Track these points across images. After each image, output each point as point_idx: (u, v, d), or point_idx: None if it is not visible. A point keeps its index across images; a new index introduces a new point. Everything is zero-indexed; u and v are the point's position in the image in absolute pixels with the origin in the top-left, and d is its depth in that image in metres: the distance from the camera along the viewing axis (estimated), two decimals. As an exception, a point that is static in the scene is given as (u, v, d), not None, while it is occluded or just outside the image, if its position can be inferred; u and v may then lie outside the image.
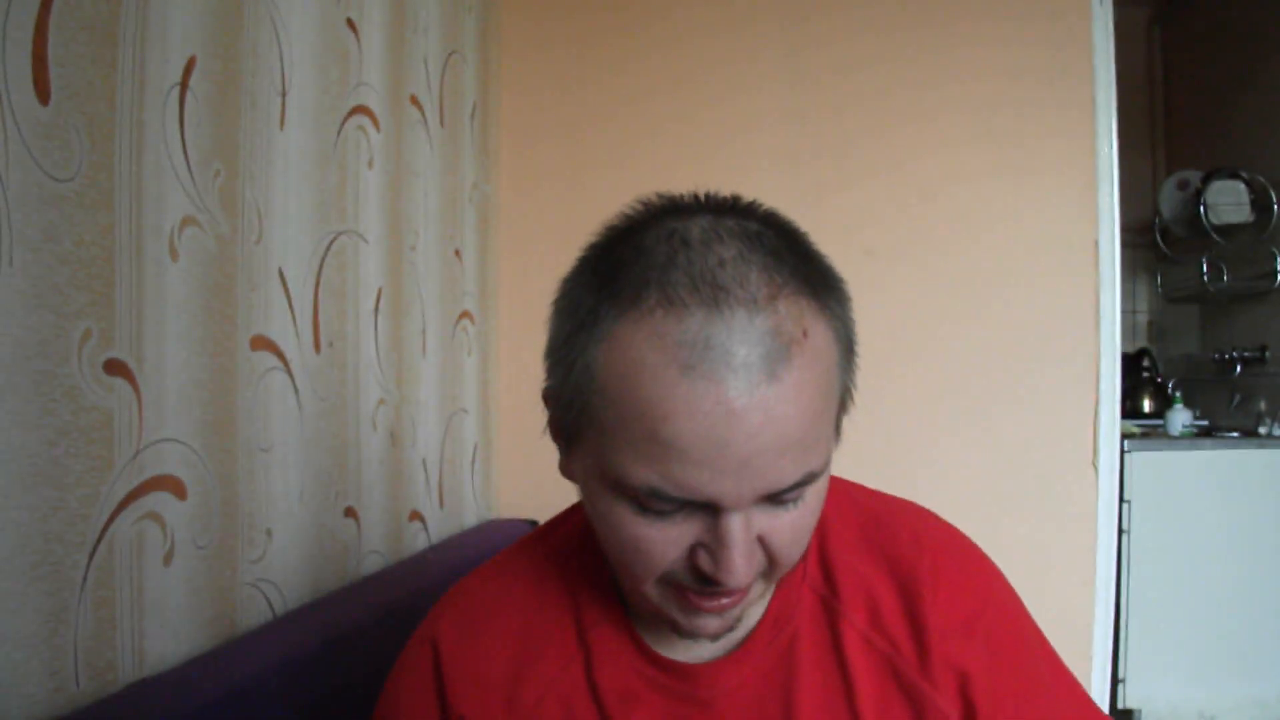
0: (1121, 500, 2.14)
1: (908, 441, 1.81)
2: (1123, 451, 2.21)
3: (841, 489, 0.67)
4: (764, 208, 0.56)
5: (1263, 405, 2.71)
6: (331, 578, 1.16)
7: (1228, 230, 2.80)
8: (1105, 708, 1.93)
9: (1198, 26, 3.19)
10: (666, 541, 0.52)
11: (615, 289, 0.51)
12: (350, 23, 1.22)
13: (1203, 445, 2.54)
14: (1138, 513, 2.41)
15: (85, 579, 0.73)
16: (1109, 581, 1.79)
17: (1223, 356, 2.93)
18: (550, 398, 0.57)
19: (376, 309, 1.30)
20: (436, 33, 1.55)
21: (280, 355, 1.04)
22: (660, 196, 0.56)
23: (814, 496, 0.54)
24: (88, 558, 0.73)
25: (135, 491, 0.79)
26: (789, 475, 0.50)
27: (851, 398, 0.57)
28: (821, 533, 0.63)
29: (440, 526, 1.55)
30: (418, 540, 1.45)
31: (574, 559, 0.65)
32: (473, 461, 1.74)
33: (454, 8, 1.65)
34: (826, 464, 0.54)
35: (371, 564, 1.27)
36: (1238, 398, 2.87)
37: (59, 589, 0.70)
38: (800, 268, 0.52)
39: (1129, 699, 2.40)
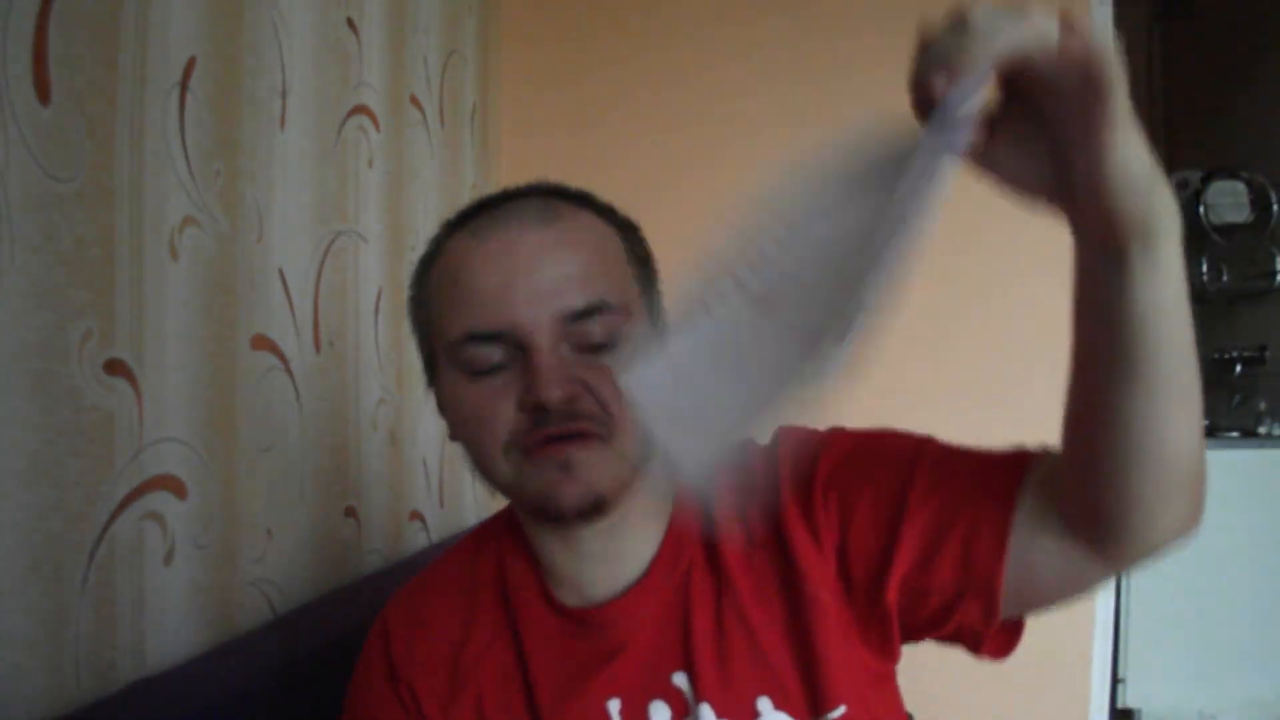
0: (1121, 500, 2.13)
1: (908, 441, 1.80)
2: (1123, 451, 2.21)
3: None
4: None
5: (1263, 405, 2.70)
6: (331, 578, 1.15)
7: (1227, 230, 2.80)
8: (1105, 708, 1.93)
9: (1198, 26, 3.19)
10: (497, 398, 0.60)
11: (433, 240, 0.67)
12: (350, 22, 1.22)
13: (1202, 445, 2.53)
14: (1138, 513, 2.41)
15: (85, 579, 0.73)
16: (1109, 581, 1.79)
17: (1223, 356, 2.93)
18: (427, 373, 0.69)
19: (376, 309, 1.30)
20: (436, 33, 1.55)
21: (280, 355, 1.04)
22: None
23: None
24: (88, 558, 0.73)
25: (135, 491, 0.79)
26: (576, 295, 0.59)
27: (660, 313, 0.67)
28: None
29: (440, 526, 1.55)
30: (418, 540, 1.45)
31: (498, 539, 0.73)
32: (473, 461, 1.74)
33: (454, 8, 1.65)
34: (626, 308, 0.62)
35: (371, 564, 1.27)
36: (1238, 398, 2.87)
37: (59, 589, 0.70)
38: (580, 196, 0.66)
39: (1129, 699, 2.40)
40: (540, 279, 0.58)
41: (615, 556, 0.66)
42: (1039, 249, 1.81)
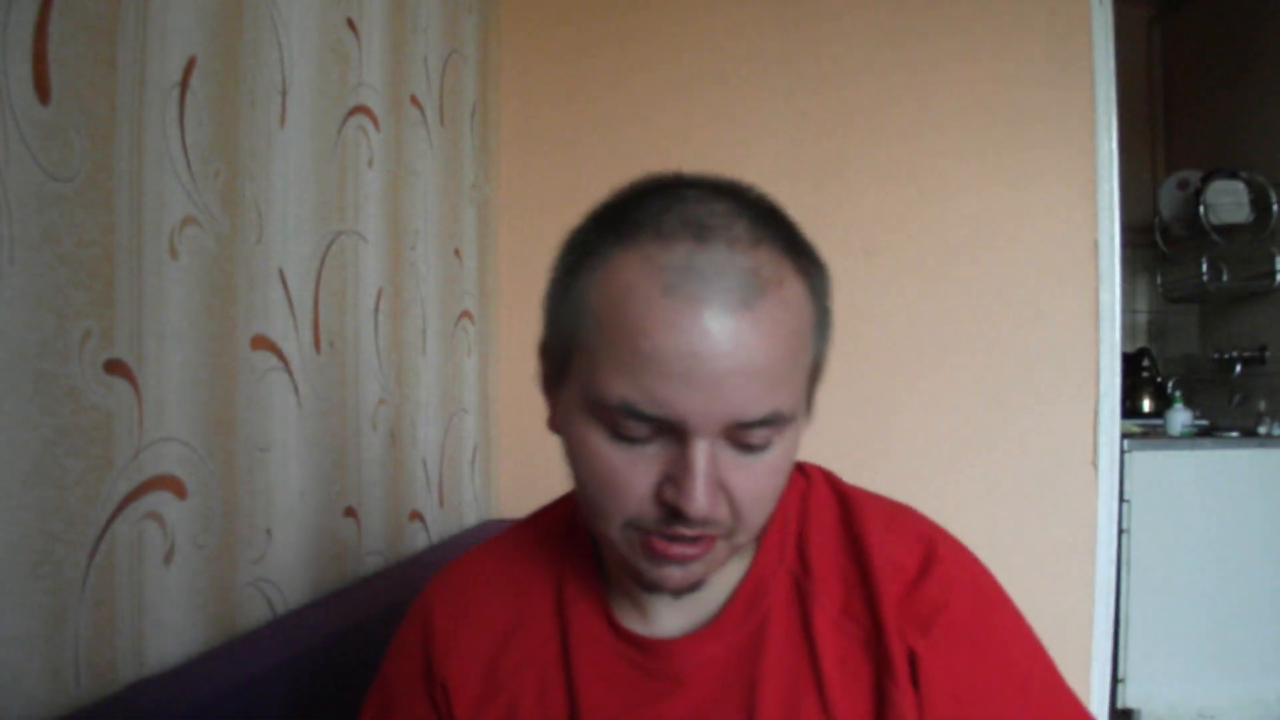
0: (1121, 500, 2.14)
1: (908, 442, 1.81)
2: (1123, 451, 2.21)
3: (829, 481, 0.68)
4: (761, 191, 0.60)
5: (1263, 405, 2.71)
6: (331, 578, 1.16)
7: (1227, 230, 2.80)
8: (1105, 708, 1.93)
9: (1197, 26, 3.19)
10: (635, 472, 0.54)
11: (613, 226, 0.56)
12: (350, 23, 1.22)
13: (1203, 445, 2.54)
14: (1138, 513, 2.41)
15: (85, 579, 0.73)
16: (1109, 581, 1.79)
17: (1222, 356, 2.93)
18: (544, 346, 0.61)
19: (376, 309, 1.30)
20: (436, 33, 1.55)
21: (280, 355, 1.04)
22: (669, 172, 0.60)
23: (780, 455, 0.56)
24: (88, 558, 0.73)
25: (135, 491, 0.79)
26: (756, 405, 0.52)
27: (822, 371, 0.60)
28: (803, 517, 0.65)
29: (440, 526, 1.55)
30: (418, 540, 1.45)
31: (560, 540, 0.68)
32: (473, 461, 1.74)
33: (454, 8, 1.65)
34: (794, 415, 0.56)
35: (371, 564, 1.27)
36: (1238, 398, 2.87)
37: (59, 589, 0.70)
38: (785, 234, 0.56)
39: (1129, 699, 2.40)
40: (725, 380, 0.51)
41: (692, 597, 0.63)
42: (1044, 254, 1.82)
